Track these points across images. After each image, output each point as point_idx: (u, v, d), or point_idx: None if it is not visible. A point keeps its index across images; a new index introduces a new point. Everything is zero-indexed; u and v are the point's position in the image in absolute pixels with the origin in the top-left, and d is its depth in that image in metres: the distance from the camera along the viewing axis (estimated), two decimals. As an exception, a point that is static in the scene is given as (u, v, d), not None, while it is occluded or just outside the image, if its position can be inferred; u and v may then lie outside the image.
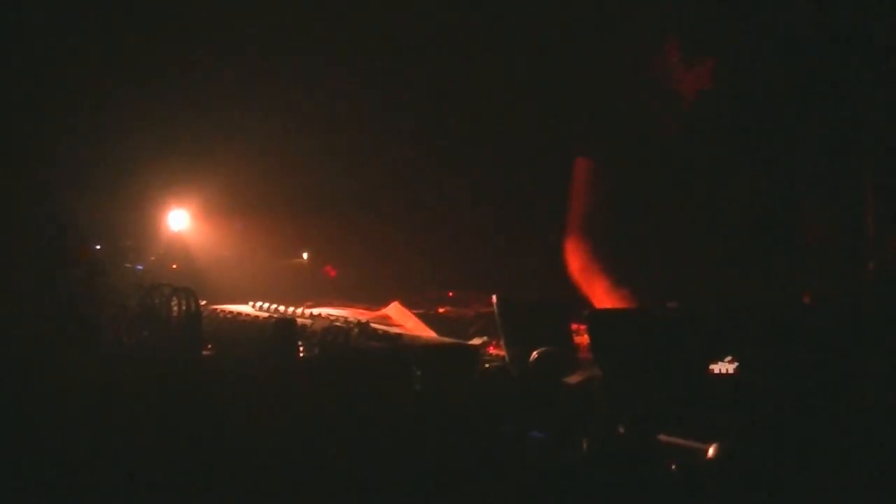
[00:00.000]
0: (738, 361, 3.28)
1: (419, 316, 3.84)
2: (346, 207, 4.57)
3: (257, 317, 3.52)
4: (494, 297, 3.50)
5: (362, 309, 3.88)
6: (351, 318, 3.48)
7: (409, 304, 3.90)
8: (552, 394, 3.35)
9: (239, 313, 3.58)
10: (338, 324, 3.37)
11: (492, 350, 3.52)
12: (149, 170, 4.20)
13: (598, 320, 3.56)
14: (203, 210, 4.31)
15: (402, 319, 3.79)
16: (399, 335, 3.38)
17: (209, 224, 4.30)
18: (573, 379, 3.39)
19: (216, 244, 4.30)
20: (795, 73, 3.98)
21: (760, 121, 4.04)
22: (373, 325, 3.44)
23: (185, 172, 4.30)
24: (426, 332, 3.68)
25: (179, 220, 4.25)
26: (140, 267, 4.04)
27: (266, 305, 3.73)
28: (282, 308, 3.68)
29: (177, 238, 4.21)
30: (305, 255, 4.48)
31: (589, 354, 3.50)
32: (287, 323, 3.28)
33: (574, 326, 3.64)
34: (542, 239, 4.19)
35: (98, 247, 4.02)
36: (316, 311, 3.64)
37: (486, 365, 3.40)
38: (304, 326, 3.34)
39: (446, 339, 3.51)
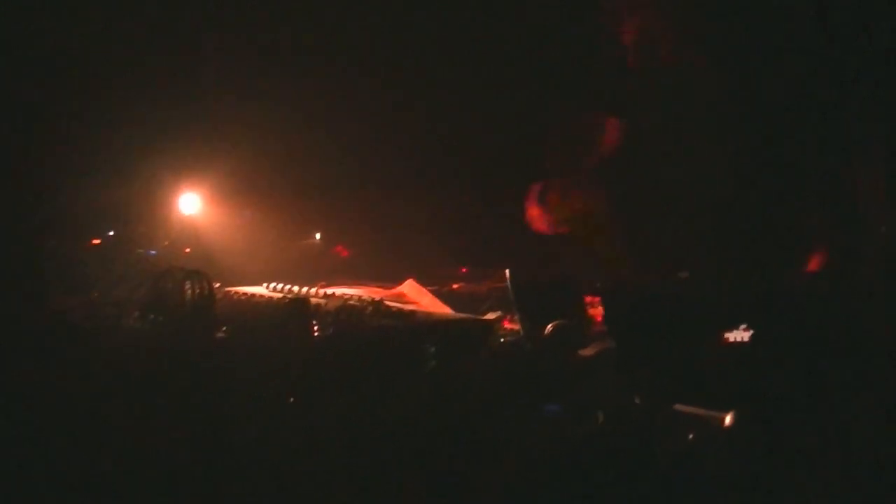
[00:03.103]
0: (752, 330, 3.27)
1: (433, 293, 3.84)
2: (356, 187, 4.56)
3: (271, 298, 3.53)
4: (507, 272, 3.50)
5: (376, 287, 3.88)
6: (365, 297, 3.48)
7: (422, 280, 3.90)
8: (567, 367, 3.36)
9: (253, 295, 3.58)
10: (352, 302, 3.38)
11: (506, 324, 3.52)
12: (160, 155, 4.20)
13: (612, 292, 3.57)
14: (215, 193, 4.31)
15: (416, 297, 3.79)
16: (413, 312, 3.38)
17: (221, 207, 4.30)
18: (588, 351, 3.40)
19: (228, 227, 4.30)
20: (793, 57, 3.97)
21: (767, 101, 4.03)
22: (387, 302, 3.44)
23: (196, 157, 4.29)
24: (441, 309, 3.68)
25: (191, 203, 4.25)
26: (153, 252, 4.05)
27: (280, 286, 3.74)
28: (295, 288, 3.68)
29: (189, 222, 4.21)
30: (318, 236, 4.48)
31: (603, 327, 3.50)
32: (301, 303, 3.28)
33: (588, 299, 3.64)
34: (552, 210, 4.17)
35: (111, 233, 4.04)
36: (329, 290, 3.65)
37: (501, 339, 3.40)
38: (317, 306, 3.35)
39: (460, 315, 3.52)
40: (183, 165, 4.28)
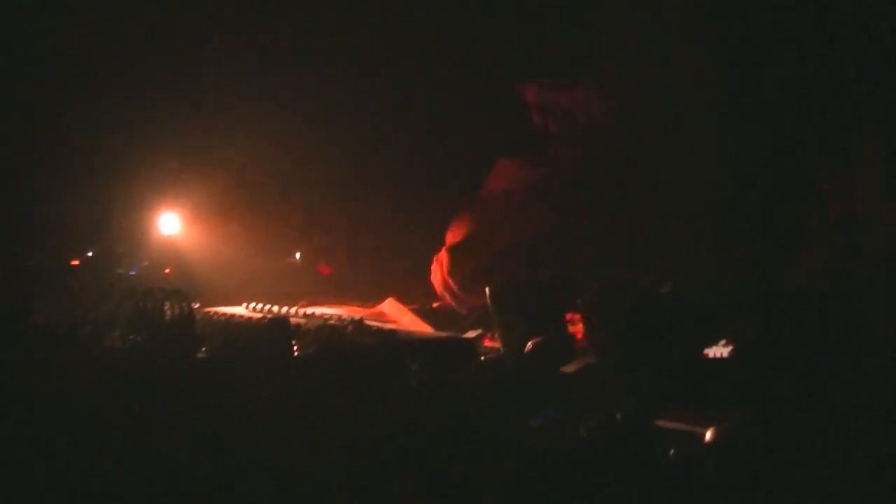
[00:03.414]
0: (732, 345, 3.29)
1: (413, 311, 3.84)
2: (337, 206, 4.56)
3: (251, 318, 3.52)
4: (488, 290, 3.49)
5: (357, 307, 3.88)
6: (345, 316, 3.48)
7: (403, 299, 3.90)
8: (549, 382, 3.35)
9: (233, 315, 3.58)
10: (332, 322, 3.38)
11: (487, 342, 3.52)
12: (139, 175, 4.19)
13: (592, 308, 3.57)
14: (194, 213, 4.30)
15: (396, 315, 3.79)
16: (394, 331, 3.39)
17: (201, 227, 4.29)
18: (570, 368, 3.40)
19: (208, 247, 4.29)
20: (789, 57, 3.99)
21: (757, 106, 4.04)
22: (367, 321, 3.44)
23: (176, 177, 4.28)
24: (421, 327, 3.68)
25: (171, 223, 4.24)
26: (133, 272, 4.04)
27: (259, 306, 3.73)
28: (275, 308, 3.68)
29: (169, 242, 4.20)
30: (298, 255, 4.47)
31: (584, 343, 3.50)
32: (280, 323, 3.27)
33: (568, 316, 3.64)
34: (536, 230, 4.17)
35: (90, 253, 4.02)
36: (310, 310, 3.64)
37: (482, 357, 3.40)
38: (297, 326, 3.34)
39: (441, 334, 3.52)
40: (162, 185, 4.27)
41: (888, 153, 3.75)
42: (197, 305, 3.49)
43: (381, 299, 3.93)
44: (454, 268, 3.71)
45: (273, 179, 4.52)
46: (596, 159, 4.12)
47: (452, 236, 4.07)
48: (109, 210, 4.13)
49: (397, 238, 4.45)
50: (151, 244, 4.17)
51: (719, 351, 3.27)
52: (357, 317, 3.50)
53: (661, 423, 3.20)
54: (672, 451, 3.08)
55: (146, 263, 4.10)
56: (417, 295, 3.99)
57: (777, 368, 3.20)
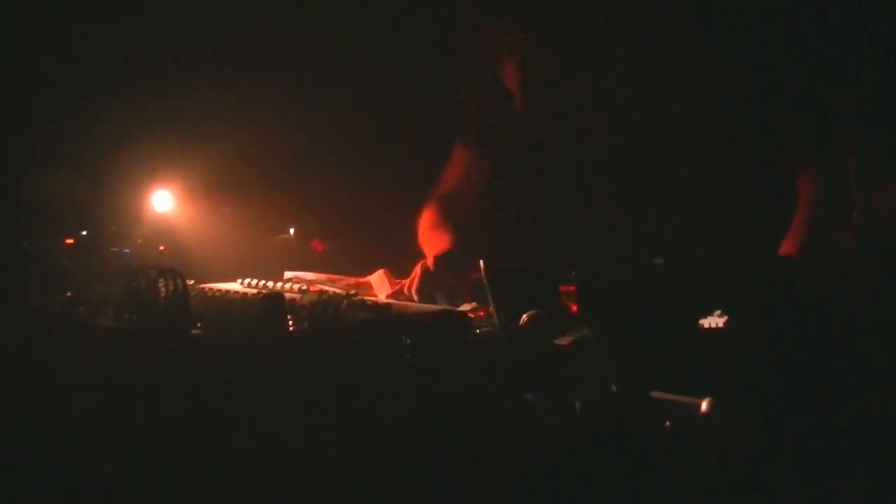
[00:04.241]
0: (727, 315, 3.29)
1: (402, 286, 3.83)
2: (332, 181, 4.56)
3: (245, 294, 3.52)
4: (482, 263, 3.49)
5: (345, 278, 3.88)
6: (339, 291, 3.48)
7: (396, 272, 3.90)
8: (543, 356, 3.36)
9: (227, 291, 3.57)
10: (326, 297, 3.38)
11: (481, 315, 3.52)
12: (131, 152, 4.18)
13: (586, 280, 3.57)
14: (187, 190, 4.29)
15: (380, 287, 3.79)
16: (388, 305, 3.38)
17: (194, 204, 4.29)
18: (563, 340, 3.40)
19: (202, 224, 4.29)
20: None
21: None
22: (361, 296, 3.44)
23: (167, 153, 4.28)
24: (412, 302, 3.69)
25: (164, 201, 4.23)
26: (127, 251, 4.03)
27: (254, 282, 3.73)
28: (270, 284, 3.68)
29: (162, 220, 4.19)
30: (292, 231, 4.46)
31: (578, 316, 3.51)
32: (275, 298, 3.27)
33: (562, 288, 3.64)
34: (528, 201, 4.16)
35: (84, 232, 4.02)
36: (289, 273, 3.65)
37: (477, 331, 3.40)
38: (292, 301, 3.34)
39: (435, 307, 3.52)
40: (155, 162, 4.26)
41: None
42: (191, 282, 3.49)
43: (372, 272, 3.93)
44: (438, 279, 3.70)
45: (267, 155, 4.51)
46: (574, 134, 4.10)
47: (428, 242, 4.04)
48: (102, 188, 4.13)
49: (393, 213, 4.45)
50: (145, 222, 4.16)
51: (714, 321, 3.27)
52: (351, 291, 3.49)
53: (656, 394, 3.22)
54: (667, 423, 3.09)
55: (140, 241, 4.09)
56: (411, 269, 3.97)
57: (772, 340, 3.21)
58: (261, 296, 3.31)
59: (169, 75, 4.30)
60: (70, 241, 3.94)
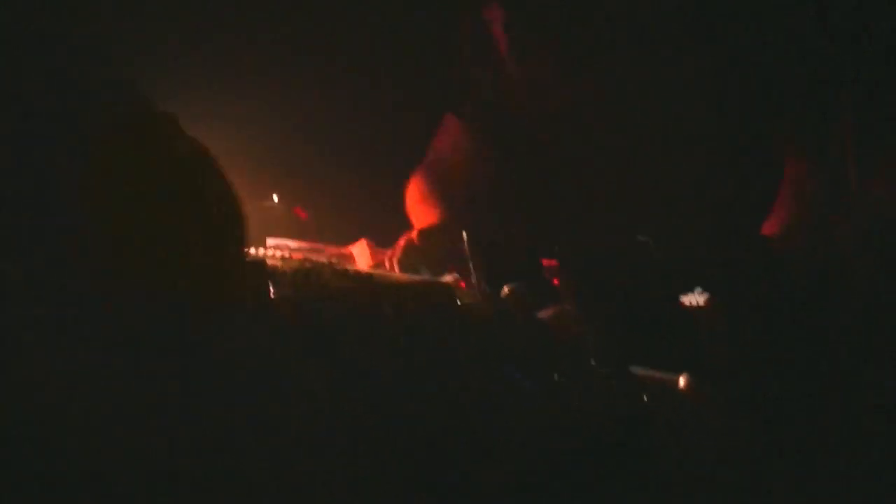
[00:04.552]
0: (708, 293, 3.31)
1: (385, 256, 3.83)
2: (318, 146, 4.53)
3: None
4: (465, 234, 3.50)
5: (327, 247, 3.87)
6: (322, 260, 3.48)
7: (379, 242, 3.89)
8: (524, 328, 3.38)
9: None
10: (308, 265, 3.37)
11: (462, 286, 3.53)
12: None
13: (569, 254, 3.59)
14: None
15: (362, 258, 3.79)
16: (370, 275, 3.39)
17: None
18: (545, 313, 3.42)
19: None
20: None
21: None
22: (344, 265, 3.44)
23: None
24: (393, 272, 3.69)
25: None
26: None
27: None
28: (251, 250, 3.67)
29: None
30: (276, 197, 4.43)
31: (560, 289, 3.52)
32: (257, 266, 3.27)
33: (545, 262, 3.65)
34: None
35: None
36: (272, 241, 3.64)
37: (458, 302, 3.41)
38: (274, 268, 3.34)
39: (418, 277, 3.52)
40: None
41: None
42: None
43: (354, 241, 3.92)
44: (423, 252, 3.69)
45: (249, 120, 4.48)
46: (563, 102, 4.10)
47: (416, 213, 4.04)
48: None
49: (379, 182, 4.44)
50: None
51: (696, 299, 3.29)
52: (333, 260, 3.49)
53: (635, 370, 3.24)
54: (644, 398, 3.11)
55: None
56: (394, 240, 3.97)
57: (752, 317, 3.24)
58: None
59: (156, 32, 4.26)
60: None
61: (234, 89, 4.47)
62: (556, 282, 3.56)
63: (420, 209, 4.04)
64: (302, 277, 3.26)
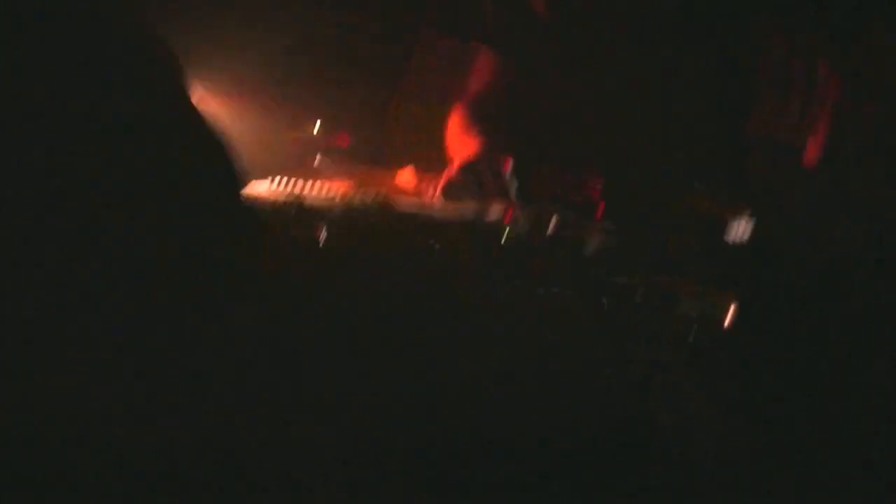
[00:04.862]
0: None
1: (430, 179, 3.83)
2: (359, 72, 4.50)
3: (275, 202, 3.54)
4: (509, 161, 3.53)
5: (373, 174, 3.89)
6: (367, 197, 3.50)
7: (425, 167, 3.91)
8: (571, 254, 3.42)
9: (256, 198, 3.59)
10: (356, 208, 3.40)
11: (509, 216, 3.55)
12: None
13: (613, 176, 3.61)
14: (209, 87, 4.22)
15: (407, 184, 3.80)
16: (416, 215, 3.40)
17: (215, 101, 4.23)
18: (592, 241, 3.45)
19: (224, 120, 4.22)
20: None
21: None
22: (389, 201, 3.46)
23: (189, 44, 4.19)
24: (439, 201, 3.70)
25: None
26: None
27: (284, 182, 3.73)
28: (298, 188, 3.69)
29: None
30: (318, 124, 4.41)
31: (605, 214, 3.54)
32: (303, 210, 3.30)
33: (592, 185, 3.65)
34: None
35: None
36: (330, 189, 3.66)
37: (505, 236, 3.43)
38: (320, 210, 3.36)
39: (463, 212, 3.53)
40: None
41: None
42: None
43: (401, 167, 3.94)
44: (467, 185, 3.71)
45: (291, 50, 4.45)
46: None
47: (456, 147, 4.03)
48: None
49: (419, 105, 4.43)
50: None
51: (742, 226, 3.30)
52: (380, 196, 3.51)
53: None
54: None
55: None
56: (438, 164, 3.97)
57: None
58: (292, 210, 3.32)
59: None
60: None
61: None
62: (601, 207, 3.58)
63: (459, 142, 4.04)
64: (347, 221, 3.29)
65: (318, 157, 3.98)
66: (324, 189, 3.64)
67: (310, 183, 3.74)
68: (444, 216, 3.46)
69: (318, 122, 4.31)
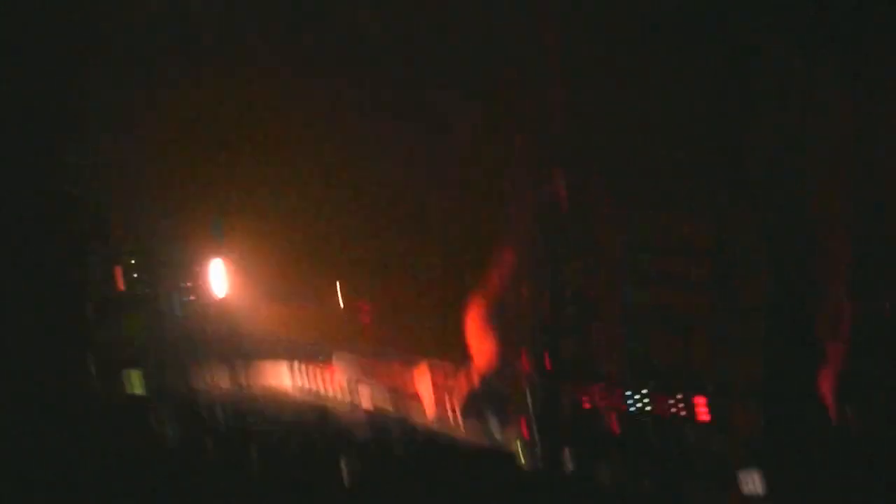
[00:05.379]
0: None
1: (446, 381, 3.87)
2: (382, 258, 4.53)
3: (299, 402, 3.57)
4: (529, 386, 3.57)
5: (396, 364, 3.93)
6: (393, 417, 3.51)
7: (441, 357, 3.95)
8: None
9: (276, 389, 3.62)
10: (379, 422, 3.38)
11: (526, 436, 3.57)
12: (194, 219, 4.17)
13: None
14: (240, 260, 4.24)
15: (423, 384, 3.84)
16: (435, 437, 3.40)
17: (245, 274, 4.25)
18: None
19: (251, 291, 4.24)
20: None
21: None
22: (412, 422, 3.47)
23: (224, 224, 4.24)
24: (452, 415, 3.73)
25: (219, 270, 4.16)
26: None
27: (303, 374, 3.76)
28: (320, 386, 3.71)
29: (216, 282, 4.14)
30: (339, 293, 4.40)
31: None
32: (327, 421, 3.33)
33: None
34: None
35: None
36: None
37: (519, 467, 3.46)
38: (345, 426, 3.36)
39: (477, 441, 3.54)
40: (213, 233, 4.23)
41: None
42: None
43: (417, 352, 3.97)
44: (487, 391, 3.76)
45: (317, 227, 4.49)
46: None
47: (477, 344, 4.06)
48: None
49: (441, 292, 4.44)
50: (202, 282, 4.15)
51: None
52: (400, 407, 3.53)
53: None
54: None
55: (192, 298, 4.13)
56: (456, 355, 4.01)
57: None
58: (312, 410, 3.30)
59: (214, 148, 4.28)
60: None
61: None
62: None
63: (478, 340, 4.05)
64: (374, 444, 3.28)
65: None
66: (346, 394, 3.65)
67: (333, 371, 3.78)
68: (460, 452, 3.47)
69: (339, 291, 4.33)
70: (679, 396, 3.69)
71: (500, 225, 4.20)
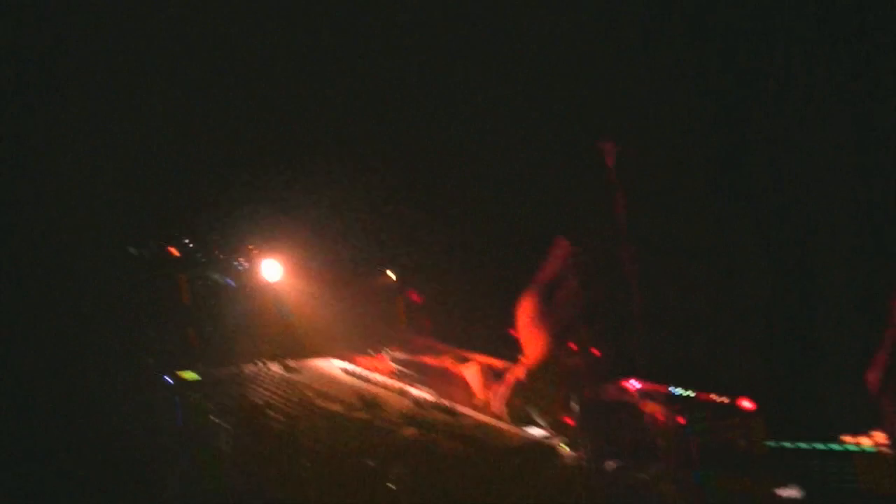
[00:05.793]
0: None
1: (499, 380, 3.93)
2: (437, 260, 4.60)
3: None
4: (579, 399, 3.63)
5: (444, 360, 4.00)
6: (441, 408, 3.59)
7: (492, 356, 4.02)
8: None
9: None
10: (423, 432, 3.45)
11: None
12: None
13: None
14: (295, 260, 4.29)
15: (474, 383, 3.91)
16: (480, 436, 3.46)
17: (300, 276, 4.31)
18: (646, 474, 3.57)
19: (304, 292, 4.28)
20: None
21: None
22: (459, 425, 3.53)
23: (277, 224, 4.32)
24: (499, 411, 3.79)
25: (273, 270, 4.22)
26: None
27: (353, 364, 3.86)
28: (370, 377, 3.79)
29: (269, 288, 4.20)
30: (391, 275, 4.46)
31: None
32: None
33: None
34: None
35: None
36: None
37: (563, 465, 3.53)
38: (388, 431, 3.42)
39: (525, 436, 3.61)
40: (259, 231, 4.30)
41: None
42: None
43: (467, 346, 4.05)
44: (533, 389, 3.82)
45: (373, 228, 4.56)
46: None
47: (529, 337, 4.08)
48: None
49: (494, 286, 4.49)
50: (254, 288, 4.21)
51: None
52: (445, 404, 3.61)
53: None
54: None
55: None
56: (505, 349, 4.08)
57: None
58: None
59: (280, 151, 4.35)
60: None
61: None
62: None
63: (529, 332, 4.09)
64: (418, 448, 3.34)
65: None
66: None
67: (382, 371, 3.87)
68: (503, 445, 3.53)
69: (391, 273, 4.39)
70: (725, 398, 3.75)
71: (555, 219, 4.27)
